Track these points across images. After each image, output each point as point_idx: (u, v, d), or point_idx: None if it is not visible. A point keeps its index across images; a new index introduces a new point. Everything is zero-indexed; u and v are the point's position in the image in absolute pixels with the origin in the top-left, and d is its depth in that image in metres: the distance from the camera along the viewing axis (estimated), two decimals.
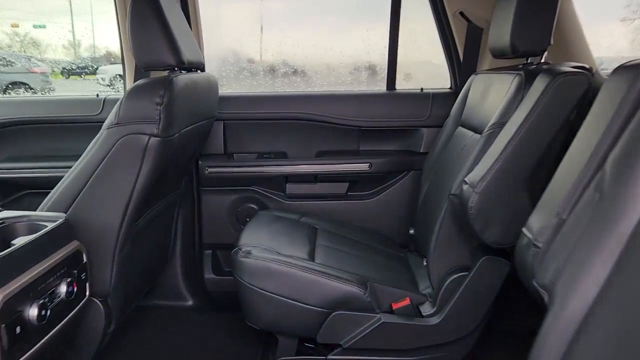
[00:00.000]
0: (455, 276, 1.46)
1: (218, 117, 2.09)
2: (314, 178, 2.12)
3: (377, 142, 2.15)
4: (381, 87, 2.17)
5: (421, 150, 2.10)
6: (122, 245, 1.44)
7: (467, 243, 1.48)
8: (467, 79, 1.89)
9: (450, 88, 2.15)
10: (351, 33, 2.33)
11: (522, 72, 1.42)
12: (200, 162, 2.08)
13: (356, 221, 2.10)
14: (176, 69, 1.52)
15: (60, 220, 1.20)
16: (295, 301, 1.44)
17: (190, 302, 2.12)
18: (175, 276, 2.11)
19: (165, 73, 1.51)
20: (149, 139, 1.38)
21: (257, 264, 1.47)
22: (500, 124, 1.39)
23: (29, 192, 2.10)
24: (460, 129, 1.79)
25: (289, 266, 1.46)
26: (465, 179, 1.35)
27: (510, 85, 1.43)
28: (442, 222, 1.50)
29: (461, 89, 1.99)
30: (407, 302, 1.50)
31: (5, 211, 1.20)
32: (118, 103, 1.40)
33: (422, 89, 2.13)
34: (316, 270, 1.47)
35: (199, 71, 1.74)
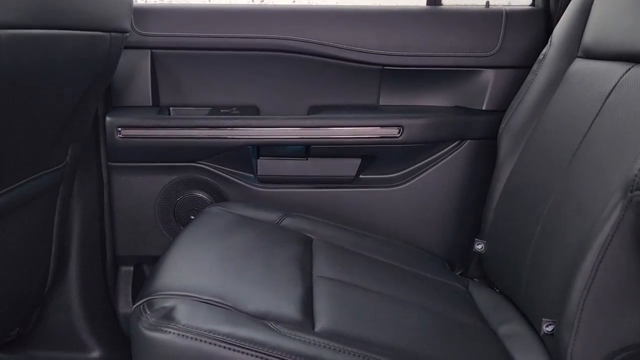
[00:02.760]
0: None
1: (140, 42, 1.22)
2: (305, 150, 1.27)
3: (411, 92, 1.31)
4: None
5: (484, 107, 1.26)
6: None
7: None
8: None
9: (532, 4, 1.31)
10: None
11: None
12: (108, 118, 1.20)
13: (373, 223, 1.26)
14: None
15: None
16: None
17: (95, 354, 1.27)
18: (68, 311, 1.25)
19: None
20: None
21: (186, 348, 0.63)
22: None
23: None
24: (585, 63, 0.97)
25: (263, 356, 0.62)
26: None
27: None
28: (605, 252, 0.67)
29: (558, 3, 1.17)
30: None
31: None
32: None
33: (487, 4, 1.29)
34: None
35: None
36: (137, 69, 1.24)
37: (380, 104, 1.32)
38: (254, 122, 1.24)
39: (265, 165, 1.27)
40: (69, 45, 0.84)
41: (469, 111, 1.28)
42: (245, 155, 1.27)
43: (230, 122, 1.23)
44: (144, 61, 1.24)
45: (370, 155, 1.28)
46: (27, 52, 0.71)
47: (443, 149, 1.26)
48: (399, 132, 1.22)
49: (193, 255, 0.86)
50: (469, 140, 1.26)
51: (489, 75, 1.26)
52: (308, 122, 1.24)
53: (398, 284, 0.96)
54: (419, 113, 1.26)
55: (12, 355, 1.23)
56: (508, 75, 1.24)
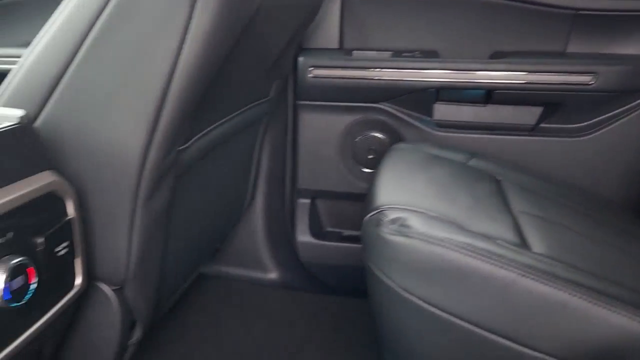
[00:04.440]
0: None
1: None
2: (486, 96, 1.27)
3: (603, 40, 1.25)
4: None
5: None
6: (153, 185, 0.71)
7: None
8: None
9: None
10: None
11: None
12: (300, 58, 1.29)
13: (554, 173, 1.24)
14: None
15: (12, 123, 0.55)
16: (513, 341, 0.65)
17: (273, 275, 1.41)
18: (254, 235, 1.39)
19: None
20: None
21: (429, 252, 0.69)
22: None
23: None
24: None
25: (503, 265, 0.66)
26: None
27: None
28: None
29: None
30: None
31: None
32: None
33: None
34: (563, 278, 0.67)
35: None
36: (327, 13, 1.31)
37: (568, 50, 1.27)
38: (435, 65, 1.25)
39: (443, 110, 1.29)
40: None
41: None
42: (425, 98, 1.29)
43: (412, 64, 1.26)
44: (334, 6, 1.30)
45: (553, 103, 1.25)
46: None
47: (637, 100, 1.20)
48: (591, 79, 1.17)
49: (403, 182, 0.92)
50: None
51: None
52: (491, 66, 1.23)
53: (596, 226, 0.95)
54: (614, 61, 1.20)
55: (208, 268, 1.40)
56: None
